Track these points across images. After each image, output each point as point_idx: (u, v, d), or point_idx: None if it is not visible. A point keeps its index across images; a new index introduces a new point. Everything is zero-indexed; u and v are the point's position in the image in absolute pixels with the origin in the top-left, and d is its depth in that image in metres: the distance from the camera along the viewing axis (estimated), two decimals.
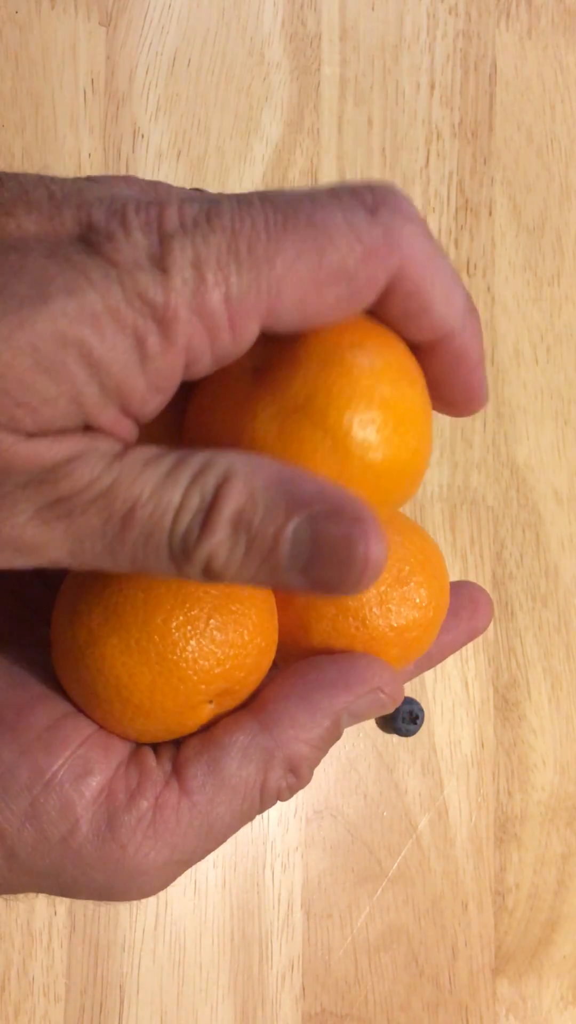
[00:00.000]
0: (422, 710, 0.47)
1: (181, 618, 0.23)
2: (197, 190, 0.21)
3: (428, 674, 0.49)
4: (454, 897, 0.47)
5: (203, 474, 0.19)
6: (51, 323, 0.17)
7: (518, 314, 0.52)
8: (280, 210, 0.18)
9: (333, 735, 0.24)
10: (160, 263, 0.18)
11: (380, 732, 0.48)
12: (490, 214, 0.51)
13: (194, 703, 0.23)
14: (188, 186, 0.46)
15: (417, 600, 0.26)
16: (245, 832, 0.45)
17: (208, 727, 0.24)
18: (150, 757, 0.24)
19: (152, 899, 0.43)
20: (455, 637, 0.28)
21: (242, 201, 0.19)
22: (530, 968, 0.48)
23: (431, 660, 0.28)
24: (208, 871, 0.44)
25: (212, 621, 0.23)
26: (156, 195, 0.20)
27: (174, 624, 0.23)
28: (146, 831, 0.22)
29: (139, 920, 0.43)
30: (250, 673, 0.24)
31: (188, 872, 0.44)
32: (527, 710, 0.50)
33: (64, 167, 0.44)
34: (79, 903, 0.42)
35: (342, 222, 0.19)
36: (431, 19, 0.51)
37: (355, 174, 0.49)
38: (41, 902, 0.42)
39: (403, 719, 0.46)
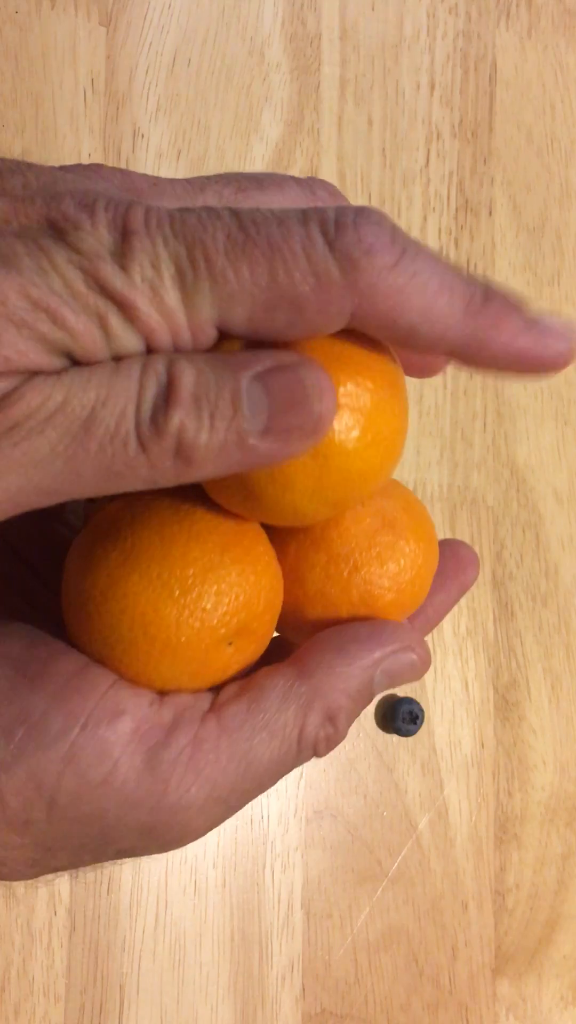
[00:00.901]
0: (422, 710, 0.47)
1: (197, 551, 0.24)
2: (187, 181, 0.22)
3: (428, 674, 0.49)
4: (454, 897, 0.47)
5: (151, 363, 0.19)
6: (23, 289, 0.18)
7: None
8: (244, 227, 0.19)
9: (368, 691, 0.25)
10: (121, 258, 0.19)
11: (380, 732, 0.48)
12: (490, 214, 0.51)
13: (216, 639, 0.24)
14: None
15: (404, 542, 0.27)
16: (245, 832, 0.45)
17: (233, 679, 0.25)
18: (183, 698, 0.24)
19: (152, 899, 0.43)
20: (447, 595, 0.29)
21: (211, 212, 0.19)
22: (530, 968, 0.48)
23: (428, 621, 0.29)
24: (208, 871, 0.44)
25: (226, 554, 0.24)
26: (130, 188, 0.21)
27: (192, 557, 0.24)
28: (186, 765, 0.23)
29: (139, 920, 0.43)
30: (264, 610, 0.25)
31: (188, 872, 0.44)
32: (527, 710, 0.50)
33: None
34: (79, 904, 0.43)
35: (299, 250, 0.19)
36: (431, 19, 0.51)
37: (355, 174, 0.49)
38: (41, 902, 0.42)
39: (403, 719, 0.46)
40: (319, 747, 0.24)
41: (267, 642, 0.26)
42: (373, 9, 0.50)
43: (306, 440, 0.20)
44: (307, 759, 0.24)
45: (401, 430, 0.24)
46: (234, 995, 0.44)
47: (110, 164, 0.45)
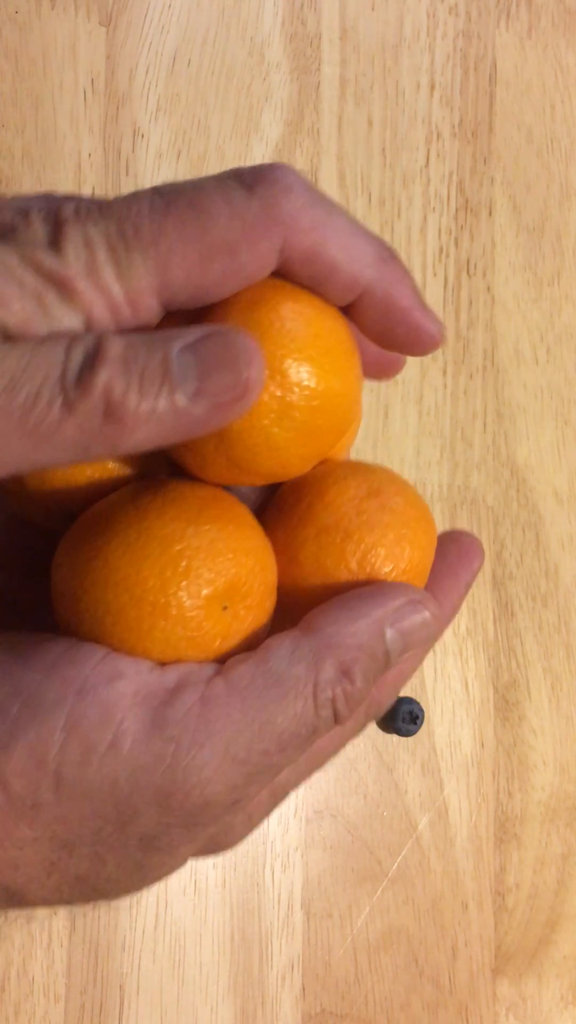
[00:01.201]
0: (422, 710, 0.47)
1: (173, 512, 0.24)
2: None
3: (428, 674, 0.49)
4: (454, 897, 0.47)
5: (81, 336, 0.20)
6: None
7: (518, 314, 0.52)
8: (164, 196, 0.21)
9: (380, 646, 0.23)
10: (55, 244, 0.20)
11: (380, 732, 0.48)
12: (490, 214, 0.51)
13: (207, 598, 0.23)
14: None
15: (393, 505, 0.26)
16: None
17: (235, 652, 0.24)
18: (187, 665, 0.23)
19: (152, 899, 0.43)
20: (455, 580, 0.28)
21: (133, 194, 0.21)
22: (530, 968, 0.48)
23: (445, 613, 0.28)
24: (208, 871, 0.44)
25: (203, 512, 0.24)
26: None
27: (168, 516, 0.24)
28: (196, 723, 0.22)
29: (139, 920, 0.43)
30: (254, 570, 0.24)
31: (188, 872, 0.44)
32: (527, 710, 0.50)
33: (64, 167, 0.44)
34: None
35: (220, 201, 0.21)
36: (431, 19, 0.51)
37: (355, 174, 0.49)
38: None
39: (403, 719, 0.46)
40: (338, 704, 0.23)
41: (267, 612, 0.25)
42: (373, 9, 0.50)
43: (238, 401, 0.20)
44: (329, 720, 0.23)
45: (352, 353, 0.24)
46: (234, 995, 0.44)
47: (110, 164, 0.45)
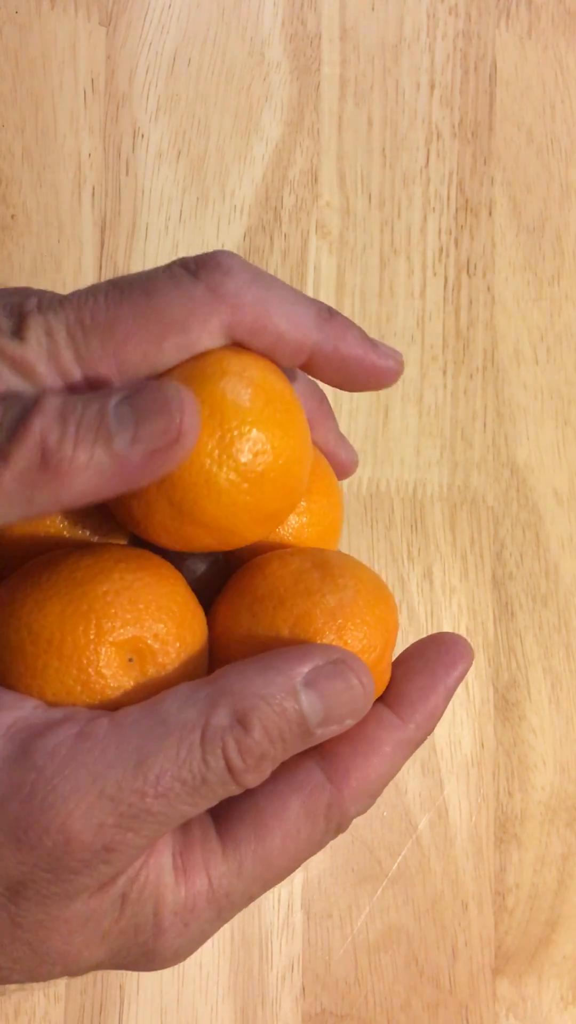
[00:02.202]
0: None
1: (90, 560, 0.23)
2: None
3: None
4: (454, 897, 0.47)
5: (19, 396, 0.21)
6: None
7: (518, 314, 0.52)
8: (118, 286, 0.22)
9: (292, 707, 0.21)
10: (19, 334, 0.22)
11: None
12: (490, 214, 0.51)
13: (109, 645, 0.22)
14: (185, 187, 0.46)
15: (338, 578, 0.25)
16: None
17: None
18: (77, 708, 0.22)
19: None
20: (430, 679, 0.26)
21: (91, 287, 0.23)
22: (530, 968, 0.48)
23: (412, 710, 0.25)
24: None
25: (121, 563, 0.23)
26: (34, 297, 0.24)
27: (84, 564, 0.23)
28: (66, 753, 0.20)
29: None
30: (169, 630, 0.23)
31: None
32: (527, 710, 0.50)
33: (64, 167, 0.44)
34: None
35: (170, 285, 0.23)
36: (431, 19, 0.51)
37: (355, 174, 0.49)
38: None
39: None
40: (230, 754, 0.21)
41: (187, 678, 0.23)
42: (373, 9, 0.50)
43: (174, 446, 0.21)
44: (221, 771, 0.21)
45: (293, 408, 0.24)
46: (234, 995, 0.44)
47: (110, 164, 0.45)
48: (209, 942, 0.44)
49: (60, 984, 0.42)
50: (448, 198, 0.51)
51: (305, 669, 0.22)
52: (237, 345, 0.24)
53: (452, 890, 0.47)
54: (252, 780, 0.22)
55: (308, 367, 0.25)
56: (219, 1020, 0.43)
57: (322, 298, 0.48)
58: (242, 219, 0.47)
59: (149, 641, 0.23)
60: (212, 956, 0.44)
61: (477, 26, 0.52)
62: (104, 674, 0.22)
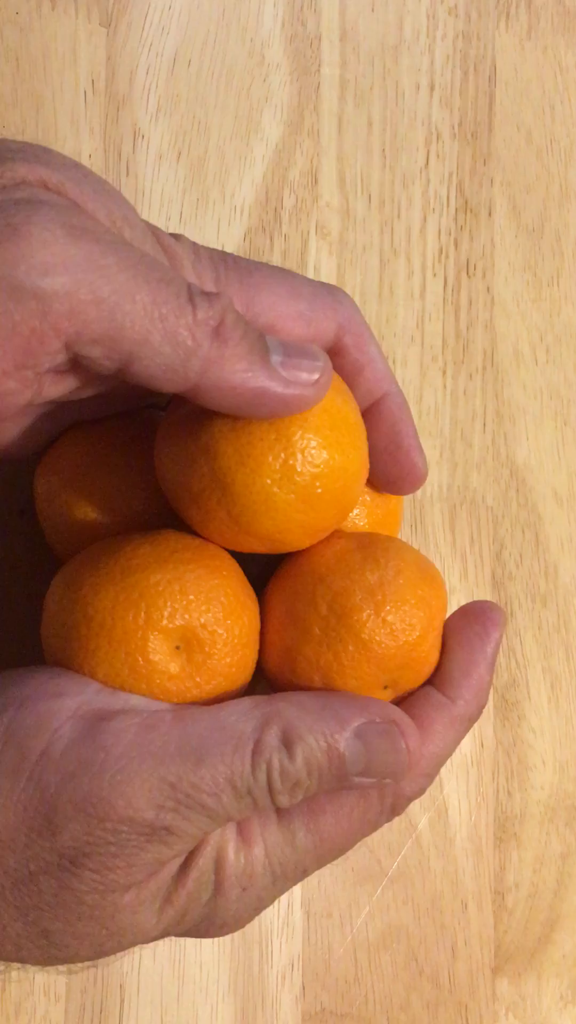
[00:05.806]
0: None
1: (148, 548, 0.24)
2: None
3: None
4: (454, 896, 0.47)
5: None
6: None
7: (518, 314, 0.52)
8: (266, 268, 0.29)
9: (334, 746, 0.23)
10: (174, 236, 0.28)
11: None
12: (490, 215, 0.51)
13: (157, 631, 0.23)
14: (186, 188, 0.46)
15: (380, 557, 0.26)
16: None
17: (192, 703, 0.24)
18: (138, 698, 0.23)
19: None
20: (468, 651, 0.28)
21: (248, 262, 0.28)
22: (530, 967, 0.48)
23: (452, 684, 0.28)
24: None
25: (177, 553, 0.24)
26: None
27: (141, 552, 0.24)
28: (132, 738, 0.21)
29: None
30: (219, 621, 0.24)
31: None
32: (527, 710, 0.50)
33: None
34: None
35: (306, 284, 0.28)
36: (431, 20, 0.51)
37: (355, 175, 0.49)
38: None
39: None
40: (273, 774, 0.22)
41: (240, 668, 0.25)
42: (373, 10, 0.50)
43: (310, 390, 0.24)
44: (263, 787, 0.22)
45: (358, 433, 0.26)
46: (234, 995, 0.44)
47: (110, 165, 0.45)
48: (209, 942, 0.44)
49: (60, 984, 0.42)
50: (448, 199, 0.51)
51: (360, 720, 0.24)
52: (336, 352, 0.28)
53: (452, 889, 0.47)
54: (284, 802, 0.23)
55: (366, 416, 0.29)
56: (219, 1019, 0.43)
57: None
58: (242, 220, 0.47)
59: (197, 630, 0.24)
60: (212, 955, 0.44)
61: (477, 27, 0.52)
62: (152, 660, 0.23)
